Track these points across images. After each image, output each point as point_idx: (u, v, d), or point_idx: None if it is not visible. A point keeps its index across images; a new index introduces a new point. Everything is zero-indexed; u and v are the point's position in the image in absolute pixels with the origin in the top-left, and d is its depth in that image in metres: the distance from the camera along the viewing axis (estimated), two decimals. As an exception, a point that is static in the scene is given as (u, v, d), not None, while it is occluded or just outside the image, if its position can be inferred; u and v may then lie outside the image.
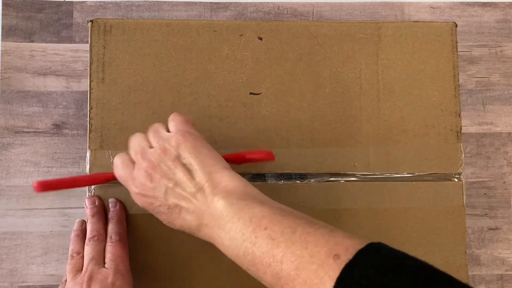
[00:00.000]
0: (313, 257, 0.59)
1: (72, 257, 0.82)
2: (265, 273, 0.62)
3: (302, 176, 0.90)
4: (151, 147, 0.76)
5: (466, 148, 1.05)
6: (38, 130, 1.01)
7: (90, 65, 0.89)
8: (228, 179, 0.71)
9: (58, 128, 1.01)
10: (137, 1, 1.06)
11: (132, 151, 0.78)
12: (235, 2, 1.07)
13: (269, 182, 0.89)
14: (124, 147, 0.85)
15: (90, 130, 0.88)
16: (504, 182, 1.06)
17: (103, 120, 0.88)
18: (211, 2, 1.07)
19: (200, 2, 1.07)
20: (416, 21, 0.96)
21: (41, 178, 1.01)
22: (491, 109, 1.07)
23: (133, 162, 0.77)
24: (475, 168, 1.06)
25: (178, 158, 0.73)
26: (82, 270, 0.79)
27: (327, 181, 0.91)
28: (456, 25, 0.95)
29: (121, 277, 0.77)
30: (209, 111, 0.89)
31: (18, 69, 1.03)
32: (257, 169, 0.89)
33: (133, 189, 0.75)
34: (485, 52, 1.09)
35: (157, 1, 1.06)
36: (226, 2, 1.07)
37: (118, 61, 0.89)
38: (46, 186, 0.79)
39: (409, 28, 0.94)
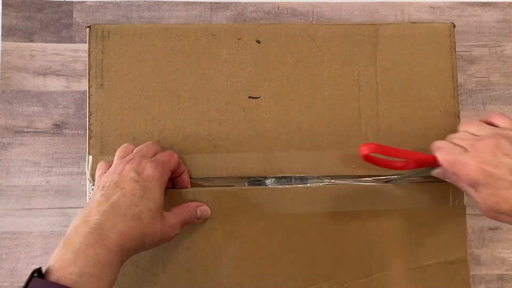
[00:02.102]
0: None
1: (125, 146, 0.86)
2: None
3: (302, 179, 0.91)
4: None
5: (467, 147, 1.05)
6: (38, 130, 1.01)
7: (89, 71, 0.89)
8: None
9: (58, 128, 1.02)
10: (137, 1, 1.06)
11: (459, 138, 0.82)
12: (235, 2, 1.07)
13: (269, 186, 0.90)
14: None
15: (90, 136, 0.88)
16: (504, 182, 1.06)
17: (102, 125, 0.88)
18: (211, 2, 1.06)
19: (200, 2, 1.06)
20: (414, 22, 0.97)
21: (41, 178, 1.01)
22: (491, 109, 1.07)
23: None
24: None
25: None
26: None
27: (327, 183, 0.91)
28: (454, 26, 0.95)
29: (156, 166, 0.79)
30: (208, 115, 0.90)
31: (18, 69, 1.03)
32: (256, 173, 0.89)
33: (468, 161, 0.77)
34: (485, 52, 1.09)
35: (157, 1, 1.06)
36: (226, 2, 1.07)
37: (116, 67, 0.89)
38: (375, 149, 0.81)
39: (407, 29, 0.94)
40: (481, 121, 0.86)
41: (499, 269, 1.04)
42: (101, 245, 0.67)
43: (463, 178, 0.78)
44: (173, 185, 0.88)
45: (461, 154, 0.78)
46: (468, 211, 0.94)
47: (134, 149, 0.84)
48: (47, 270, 0.64)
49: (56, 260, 0.65)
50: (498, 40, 1.10)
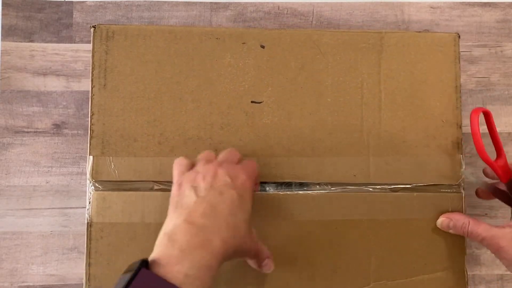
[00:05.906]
0: None
1: (208, 152, 0.84)
2: None
3: (302, 185, 0.91)
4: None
5: (466, 148, 1.05)
6: (38, 130, 1.01)
7: (92, 71, 0.89)
8: None
9: (58, 128, 1.01)
10: (137, 1, 1.05)
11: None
12: (235, 2, 1.07)
13: (269, 191, 0.90)
14: (125, 154, 0.87)
15: (91, 137, 0.88)
16: (504, 182, 1.07)
17: (104, 126, 0.88)
18: (211, 2, 1.06)
19: (200, 2, 1.06)
20: (419, 31, 0.96)
21: (41, 178, 1.01)
22: (491, 109, 1.06)
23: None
24: (475, 168, 1.06)
25: None
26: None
27: (327, 191, 0.91)
28: (459, 36, 0.95)
29: (249, 175, 0.79)
30: (210, 119, 0.90)
31: (18, 69, 1.02)
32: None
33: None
34: (485, 52, 1.09)
35: (157, 1, 1.05)
36: (226, 2, 1.06)
37: (120, 67, 0.89)
38: None
39: (412, 38, 0.94)
40: None
41: (499, 269, 1.04)
42: (207, 249, 0.68)
43: None
44: None
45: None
46: (468, 211, 0.95)
47: (215, 157, 0.83)
48: (153, 262, 0.65)
49: (162, 254, 0.66)
50: (498, 40, 1.10)
